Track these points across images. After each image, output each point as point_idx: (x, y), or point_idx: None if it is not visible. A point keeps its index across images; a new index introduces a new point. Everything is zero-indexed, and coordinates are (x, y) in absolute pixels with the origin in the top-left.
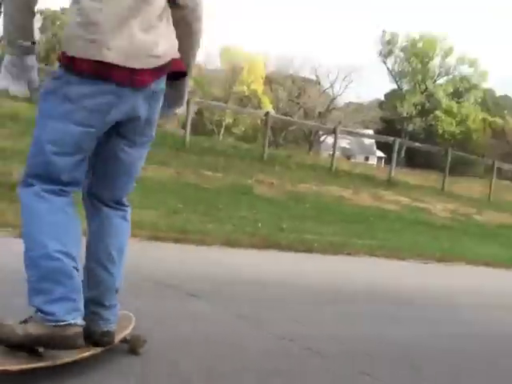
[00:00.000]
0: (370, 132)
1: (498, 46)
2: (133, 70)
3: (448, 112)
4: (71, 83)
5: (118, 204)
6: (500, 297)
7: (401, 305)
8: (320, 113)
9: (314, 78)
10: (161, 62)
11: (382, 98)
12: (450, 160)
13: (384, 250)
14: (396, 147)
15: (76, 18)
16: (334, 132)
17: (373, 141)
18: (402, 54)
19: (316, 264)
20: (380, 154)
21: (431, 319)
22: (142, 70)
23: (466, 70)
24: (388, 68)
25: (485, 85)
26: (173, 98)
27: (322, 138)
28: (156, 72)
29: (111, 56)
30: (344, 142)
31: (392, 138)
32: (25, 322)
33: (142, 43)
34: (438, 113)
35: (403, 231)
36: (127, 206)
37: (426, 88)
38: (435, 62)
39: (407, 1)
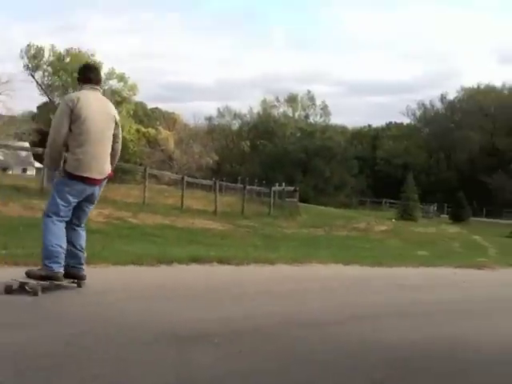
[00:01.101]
0: (26, 144)
1: (148, 63)
2: (95, 179)
3: None
4: (66, 179)
5: (81, 226)
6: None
7: None
8: None
9: None
10: (106, 175)
11: (35, 111)
12: None
13: (33, 258)
14: None
15: (73, 156)
16: None
17: (29, 152)
18: (49, 69)
19: None
20: (39, 165)
21: None
22: (99, 179)
23: (115, 84)
24: (37, 81)
25: (135, 98)
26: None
27: None
28: (104, 178)
29: (88, 174)
30: None
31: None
32: (39, 269)
33: (101, 169)
34: None
35: None
36: (83, 227)
37: None
38: None
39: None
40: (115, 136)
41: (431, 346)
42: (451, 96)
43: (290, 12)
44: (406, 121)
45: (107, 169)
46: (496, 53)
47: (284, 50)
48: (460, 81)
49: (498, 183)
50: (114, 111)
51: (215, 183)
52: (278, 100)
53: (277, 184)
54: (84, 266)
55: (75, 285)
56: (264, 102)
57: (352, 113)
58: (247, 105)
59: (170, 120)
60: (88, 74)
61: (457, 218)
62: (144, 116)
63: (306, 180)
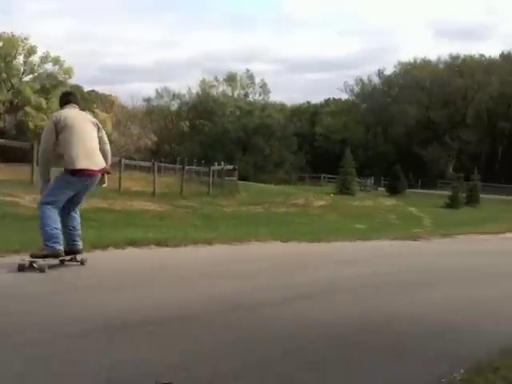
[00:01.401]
0: None
1: (84, 45)
2: (92, 170)
3: (38, 108)
4: (67, 176)
5: (75, 211)
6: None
7: None
8: None
9: None
10: (101, 167)
11: None
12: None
13: None
14: None
15: (67, 156)
16: None
17: None
18: None
19: None
20: None
21: None
22: (95, 170)
23: (50, 67)
24: None
25: (71, 81)
26: (102, 179)
27: None
28: (100, 170)
29: (84, 166)
30: None
31: None
32: (42, 249)
33: (95, 161)
34: (27, 109)
35: None
36: (77, 211)
37: (12, 86)
38: (19, 61)
39: None
40: (101, 138)
41: (368, 320)
42: (388, 71)
43: None
44: (345, 97)
45: (101, 161)
46: (431, 27)
47: (222, 29)
48: (397, 56)
49: (433, 155)
50: (94, 119)
51: (154, 164)
52: (216, 80)
53: (216, 163)
54: (79, 242)
55: (78, 263)
56: (203, 82)
57: (291, 90)
58: (186, 85)
59: (107, 102)
60: (67, 97)
61: (393, 190)
62: (81, 99)
63: (245, 158)
